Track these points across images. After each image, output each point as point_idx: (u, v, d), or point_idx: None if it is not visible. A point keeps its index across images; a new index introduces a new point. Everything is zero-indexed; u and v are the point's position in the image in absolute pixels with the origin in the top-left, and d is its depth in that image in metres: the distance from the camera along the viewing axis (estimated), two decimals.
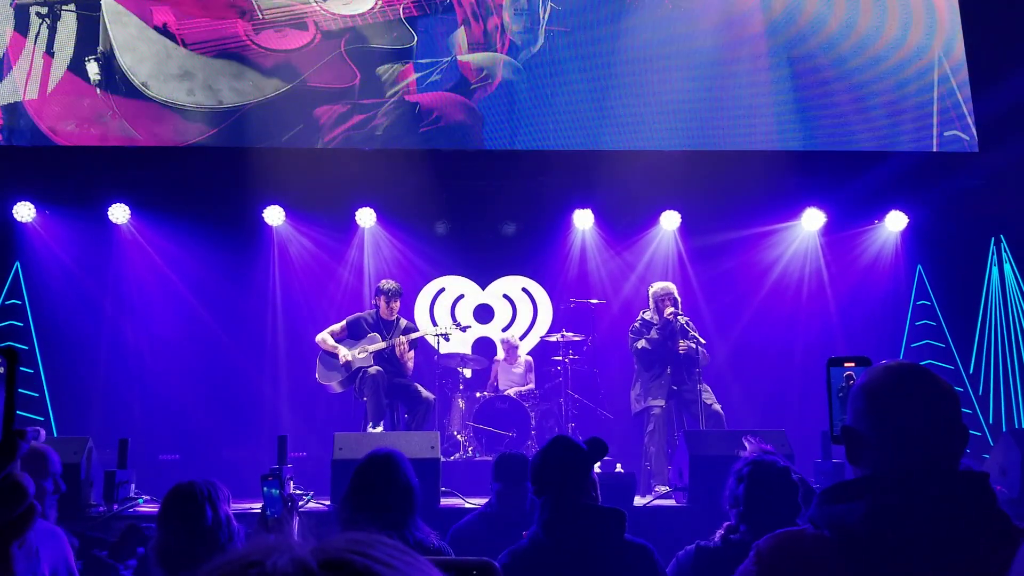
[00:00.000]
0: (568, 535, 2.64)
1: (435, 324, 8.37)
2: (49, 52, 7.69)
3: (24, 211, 7.90)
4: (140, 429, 7.46)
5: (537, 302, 8.89)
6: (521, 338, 8.37)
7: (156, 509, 2.82)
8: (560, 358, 7.55)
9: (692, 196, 8.18)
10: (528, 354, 8.27)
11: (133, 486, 5.56)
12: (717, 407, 6.61)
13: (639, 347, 6.84)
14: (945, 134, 7.99)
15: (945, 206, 8.27)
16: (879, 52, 8.04)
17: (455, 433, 7.41)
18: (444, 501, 5.49)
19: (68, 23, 7.76)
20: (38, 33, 7.72)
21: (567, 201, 8.40)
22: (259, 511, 2.68)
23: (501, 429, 7.12)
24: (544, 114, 7.89)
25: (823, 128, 8.04)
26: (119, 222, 8.07)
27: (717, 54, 7.95)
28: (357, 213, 8.35)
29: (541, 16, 7.92)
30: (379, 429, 6.44)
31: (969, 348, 8.44)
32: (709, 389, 6.75)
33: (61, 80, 7.66)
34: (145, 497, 5.53)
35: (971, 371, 8.38)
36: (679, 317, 6.81)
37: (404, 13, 7.87)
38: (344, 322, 7.00)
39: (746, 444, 3.16)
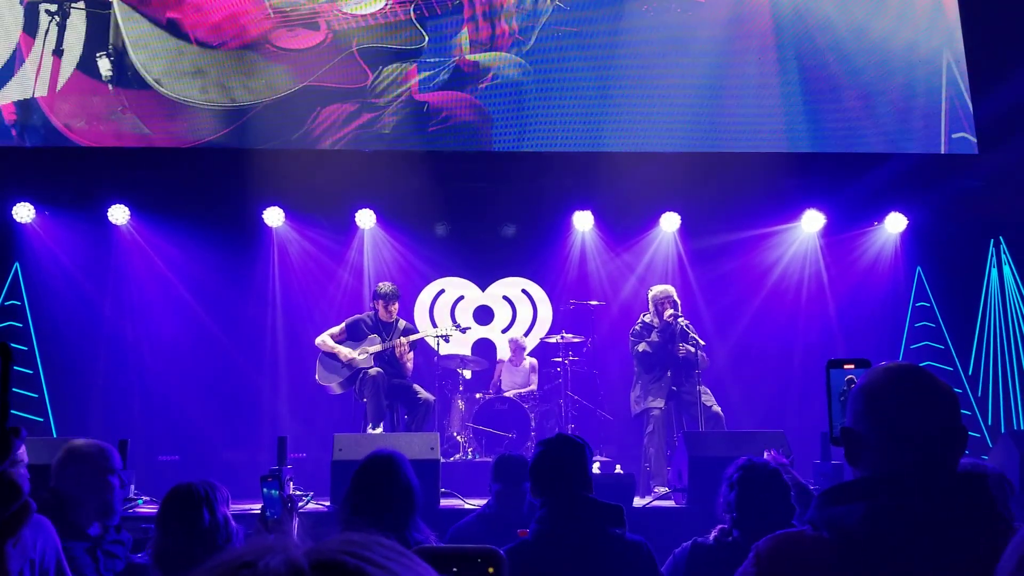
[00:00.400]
0: (568, 530, 2.65)
1: (435, 325, 8.37)
2: (58, 50, 7.67)
3: (24, 212, 7.89)
4: (140, 430, 7.46)
5: (537, 304, 8.88)
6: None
7: (155, 510, 2.82)
8: (560, 359, 7.55)
9: (692, 198, 8.17)
10: (531, 355, 8.27)
11: (132, 487, 5.56)
12: (717, 409, 6.62)
13: (640, 350, 6.84)
14: (953, 136, 7.98)
15: (944, 208, 8.26)
16: (888, 52, 8.01)
17: (455, 434, 7.41)
18: (444, 502, 5.50)
19: (77, 21, 7.74)
20: (47, 31, 7.70)
21: (567, 203, 8.39)
22: (258, 512, 2.68)
23: (501, 430, 7.12)
24: (551, 113, 7.88)
25: (831, 130, 8.01)
26: (119, 223, 8.06)
27: (723, 55, 7.93)
28: (357, 214, 8.34)
29: (546, 15, 7.92)
30: (379, 430, 6.45)
31: (968, 350, 8.43)
32: (708, 391, 6.76)
33: (71, 78, 7.65)
34: (144, 498, 5.54)
35: (970, 373, 8.37)
36: (679, 320, 6.82)
37: (415, 14, 7.88)
38: (343, 324, 6.99)
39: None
